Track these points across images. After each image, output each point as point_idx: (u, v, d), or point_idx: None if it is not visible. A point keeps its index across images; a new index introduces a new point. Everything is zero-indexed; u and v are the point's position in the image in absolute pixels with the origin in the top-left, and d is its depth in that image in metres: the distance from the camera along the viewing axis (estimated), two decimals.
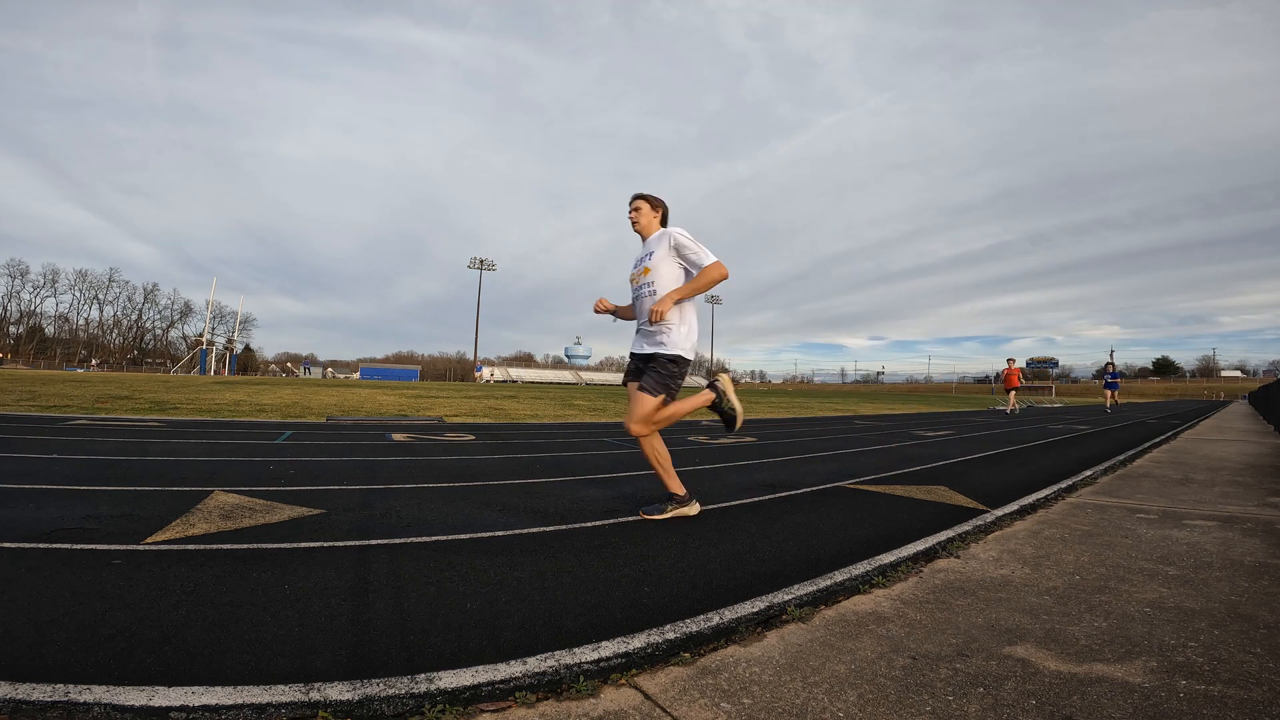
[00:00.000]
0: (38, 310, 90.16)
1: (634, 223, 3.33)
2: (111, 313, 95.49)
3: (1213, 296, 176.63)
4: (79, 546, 2.39)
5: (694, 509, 3.26)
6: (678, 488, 3.23)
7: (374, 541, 2.61)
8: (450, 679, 1.44)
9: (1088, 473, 5.36)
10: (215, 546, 2.47)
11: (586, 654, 1.59)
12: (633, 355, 3.30)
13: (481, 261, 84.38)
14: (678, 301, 3.06)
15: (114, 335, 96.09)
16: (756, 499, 3.85)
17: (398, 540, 2.64)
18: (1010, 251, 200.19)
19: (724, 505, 3.62)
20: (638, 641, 1.67)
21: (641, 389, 3.05)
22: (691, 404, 3.23)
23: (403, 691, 1.38)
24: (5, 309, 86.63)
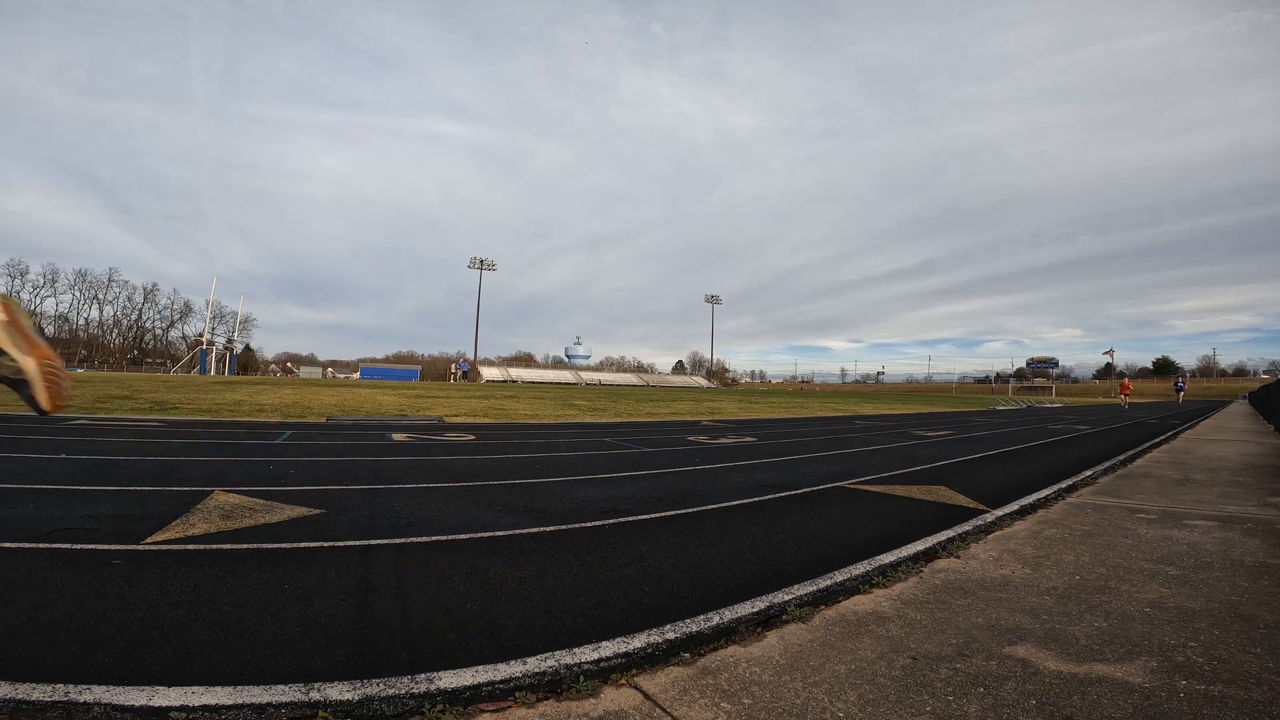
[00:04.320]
0: (37, 310, 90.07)
1: None
2: (111, 313, 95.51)
3: (1155, 303, 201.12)
4: (79, 546, 2.38)
5: None
6: None
7: (375, 541, 2.61)
8: (450, 679, 1.44)
9: (1088, 473, 5.35)
10: (215, 546, 2.47)
11: (587, 654, 1.59)
12: None
13: (482, 261, 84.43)
14: None
15: (114, 335, 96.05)
16: (756, 499, 3.85)
17: (398, 540, 2.64)
18: (941, 266, 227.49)
19: (724, 505, 3.61)
20: (638, 641, 1.67)
21: None
22: None
23: (403, 691, 1.38)
24: None
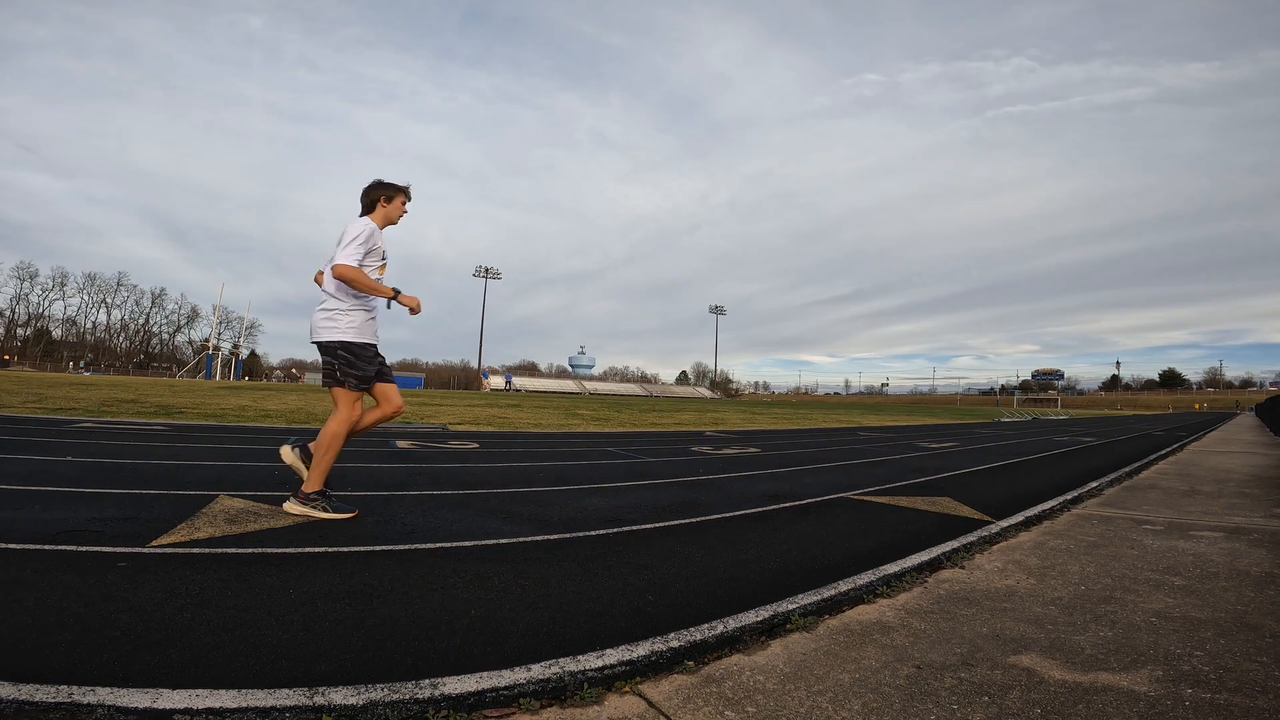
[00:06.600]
0: (45, 313, 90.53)
1: None
2: (119, 316, 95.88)
3: (1093, 321, 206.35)
4: (84, 549, 2.39)
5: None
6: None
7: (378, 547, 2.62)
8: (454, 685, 1.44)
9: (1094, 484, 5.33)
10: (220, 550, 2.47)
11: (591, 661, 1.59)
12: None
13: (486, 270, 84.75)
14: None
15: (121, 339, 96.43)
16: (760, 509, 3.84)
17: (402, 546, 2.65)
18: (870, 293, 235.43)
19: (728, 515, 3.61)
20: (642, 649, 1.67)
21: None
22: None
23: (406, 697, 1.38)
24: (13, 311, 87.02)
